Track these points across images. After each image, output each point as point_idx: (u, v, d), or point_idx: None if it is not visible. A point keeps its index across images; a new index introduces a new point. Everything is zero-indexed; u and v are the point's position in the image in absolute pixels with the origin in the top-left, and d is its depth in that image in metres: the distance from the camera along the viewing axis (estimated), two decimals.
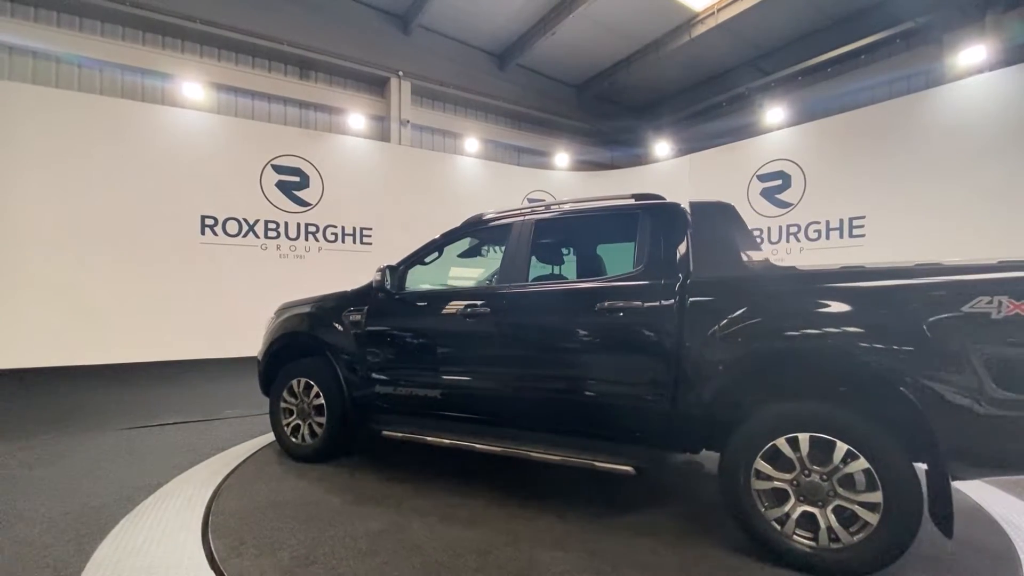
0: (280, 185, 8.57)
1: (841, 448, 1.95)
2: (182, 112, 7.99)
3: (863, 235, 7.61)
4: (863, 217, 7.64)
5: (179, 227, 7.75)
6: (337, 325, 3.38)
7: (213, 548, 2.23)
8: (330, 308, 3.50)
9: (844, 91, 8.84)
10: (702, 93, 11.23)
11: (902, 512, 1.85)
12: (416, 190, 9.78)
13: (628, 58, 10.73)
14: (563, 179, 11.46)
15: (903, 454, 1.89)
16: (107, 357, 7.12)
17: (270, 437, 3.88)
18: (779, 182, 8.70)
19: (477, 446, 2.77)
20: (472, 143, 10.98)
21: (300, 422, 3.46)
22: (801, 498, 2.03)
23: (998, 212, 6.41)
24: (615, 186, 10.86)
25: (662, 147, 11.00)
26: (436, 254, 3.30)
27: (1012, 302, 1.73)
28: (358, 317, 3.28)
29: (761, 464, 2.08)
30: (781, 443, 2.04)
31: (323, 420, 3.34)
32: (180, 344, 7.59)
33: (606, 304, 2.45)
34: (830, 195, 8.05)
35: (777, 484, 2.06)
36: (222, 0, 8.52)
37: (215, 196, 8.02)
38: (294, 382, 3.49)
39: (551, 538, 2.35)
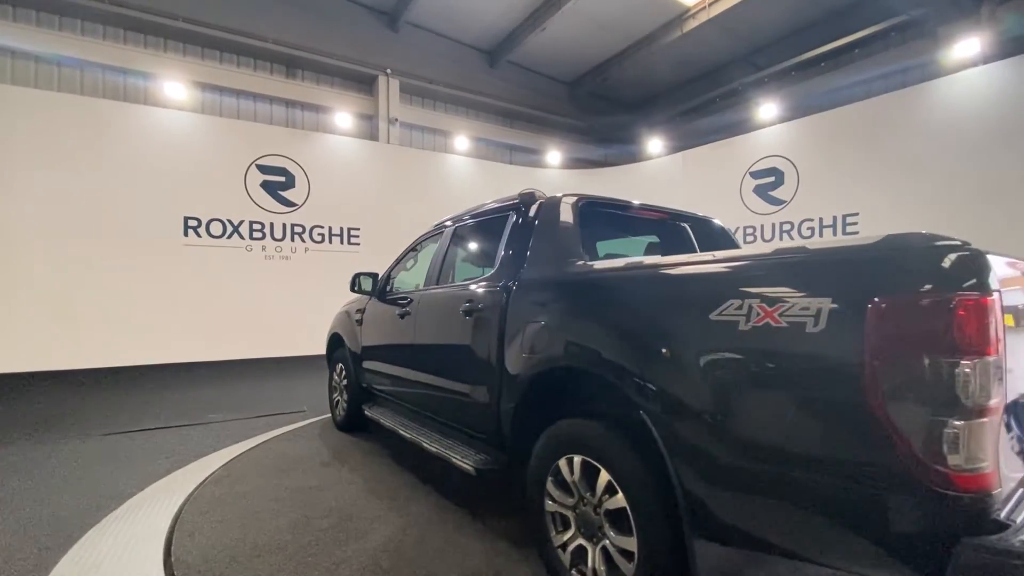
0: (265, 185, 8.46)
1: (604, 479, 1.66)
2: (164, 112, 7.87)
3: (857, 232, 7.48)
4: (856, 214, 7.51)
5: (162, 229, 7.64)
6: (349, 323, 4.15)
7: (174, 566, 2.15)
8: (351, 308, 4.22)
9: (838, 86, 8.70)
10: (695, 89, 11.10)
11: (657, 568, 1.51)
12: (405, 189, 9.66)
13: (620, 54, 10.59)
14: (555, 177, 11.32)
15: (661, 496, 1.53)
16: (91, 362, 7.02)
17: (254, 441, 3.93)
18: (772, 179, 8.57)
19: (398, 431, 3.09)
20: (462, 141, 10.86)
21: (339, 397, 4.30)
22: (581, 529, 1.78)
23: (994, 208, 6.28)
24: (606, 184, 10.72)
25: (655, 144, 10.86)
26: (412, 261, 3.69)
27: (763, 307, 1.27)
28: (359, 316, 3.97)
29: (550, 484, 1.88)
30: (563, 464, 1.82)
31: (347, 398, 4.14)
32: (164, 348, 7.48)
33: (463, 306, 2.53)
34: (823, 192, 7.92)
35: (560, 509, 1.86)
36: (211, 2, 8.41)
37: (199, 197, 7.90)
38: (337, 365, 4.34)
39: (412, 521, 2.51)
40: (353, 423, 4.09)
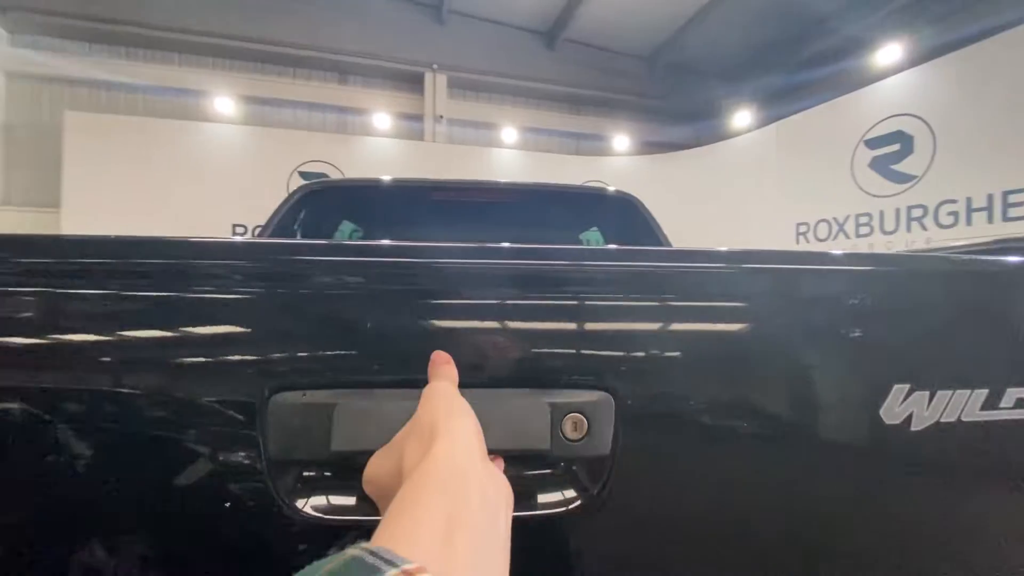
0: None
1: None
2: (212, 126, 8.23)
3: (1022, 218, 5.16)
4: (1022, 191, 5.18)
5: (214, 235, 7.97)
6: None
7: None
8: None
9: (993, 15, 6.16)
10: (799, 47, 8.91)
11: None
12: None
13: (700, 14, 8.87)
14: (623, 166, 9.93)
15: None
16: None
17: None
18: (896, 147, 6.37)
19: None
20: (519, 134, 9.98)
21: None
22: None
23: None
24: (682, 168, 9.09)
25: (743, 117, 8.97)
26: None
27: None
28: None
29: None
30: None
31: None
32: None
33: None
34: (971, 160, 5.63)
35: None
36: (259, 19, 8.60)
37: (244, 206, 8.14)
38: None
39: None
40: None
